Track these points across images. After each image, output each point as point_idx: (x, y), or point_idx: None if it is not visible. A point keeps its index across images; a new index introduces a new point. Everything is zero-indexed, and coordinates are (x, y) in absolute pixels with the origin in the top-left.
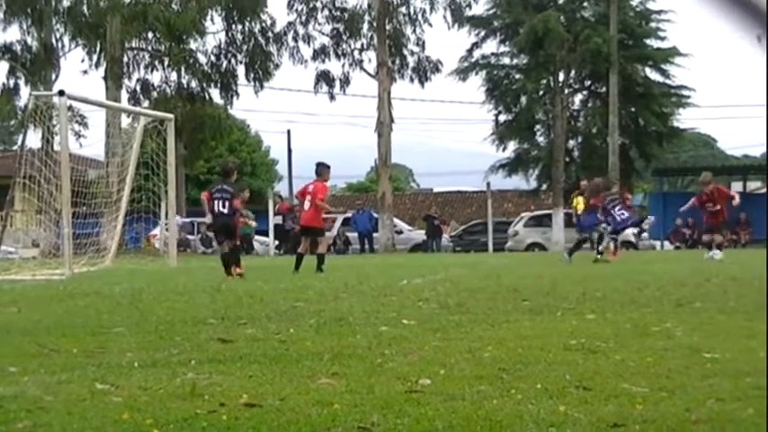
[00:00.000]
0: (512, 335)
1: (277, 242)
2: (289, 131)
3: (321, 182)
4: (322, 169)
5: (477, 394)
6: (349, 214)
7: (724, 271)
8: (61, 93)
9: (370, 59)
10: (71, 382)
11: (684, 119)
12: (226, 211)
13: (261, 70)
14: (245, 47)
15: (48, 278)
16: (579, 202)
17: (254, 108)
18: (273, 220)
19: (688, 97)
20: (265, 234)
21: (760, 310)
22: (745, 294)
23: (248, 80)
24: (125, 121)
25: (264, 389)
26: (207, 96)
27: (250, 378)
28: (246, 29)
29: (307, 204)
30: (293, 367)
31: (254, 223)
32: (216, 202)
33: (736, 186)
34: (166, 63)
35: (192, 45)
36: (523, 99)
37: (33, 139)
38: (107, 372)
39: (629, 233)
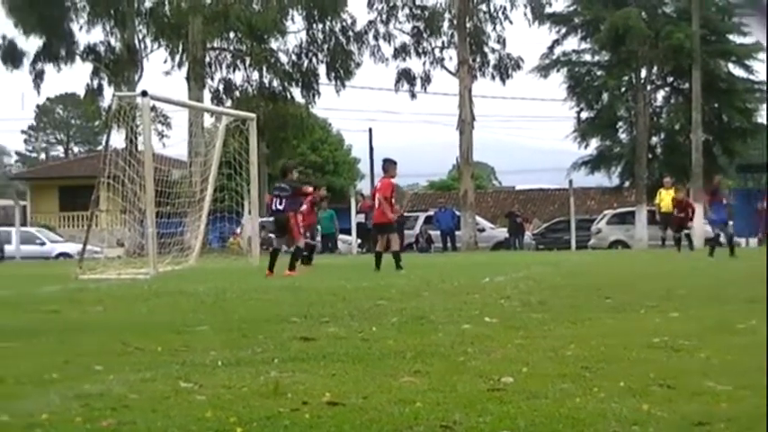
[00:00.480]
0: (594, 333)
1: (359, 240)
2: (370, 130)
3: (387, 178)
4: (388, 165)
5: (559, 392)
6: (431, 212)
7: None
8: (144, 93)
9: (451, 57)
10: (155, 380)
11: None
12: (281, 207)
13: (342, 69)
14: (325, 46)
15: (132, 277)
16: (663, 199)
17: (335, 107)
18: (356, 218)
19: None
20: (348, 232)
21: None
22: None
23: (329, 79)
24: (208, 120)
25: (347, 387)
26: (288, 95)
27: (332, 376)
28: (327, 28)
29: (376, 202)
30: (375, 366)
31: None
32: (274, 199)
33: None
34: (248, 63)
35: (274, 44)
36: (605, 96)
37: (117, 139)
38: (191, 370)
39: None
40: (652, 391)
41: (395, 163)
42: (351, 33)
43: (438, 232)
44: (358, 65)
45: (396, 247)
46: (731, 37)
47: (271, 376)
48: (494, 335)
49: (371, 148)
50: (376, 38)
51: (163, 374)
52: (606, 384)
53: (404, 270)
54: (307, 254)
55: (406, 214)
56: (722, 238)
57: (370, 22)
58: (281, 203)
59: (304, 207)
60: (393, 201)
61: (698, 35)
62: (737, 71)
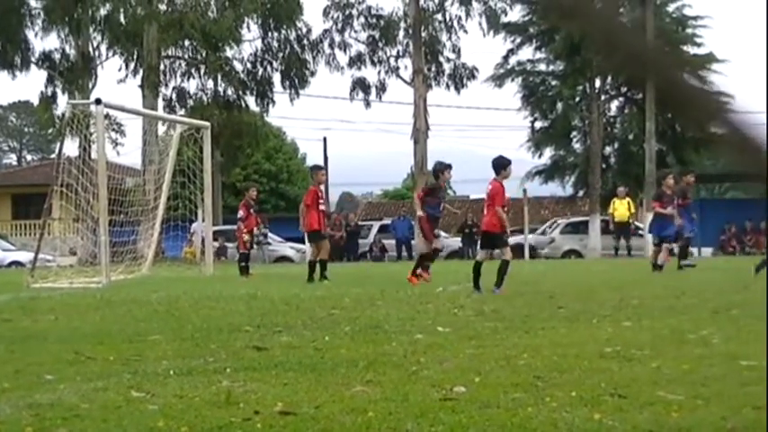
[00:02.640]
0: (547, 342)
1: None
2: (325, 138)
3: (313, 185)
4: (314, 172)
5: (512, 402)
6: (386, 221)
7: (762, 278)
8: (98, 101)
9: (406, 66)
10: (107, 389)
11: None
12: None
13: (297, 78)
14: (281, 54)
15: (85, 286)
16: (617, 208)
17: (290, 115)
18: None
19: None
20: (301, 241)
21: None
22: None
23: (284, 87)
24: (162, 129)
25: (299, 397)
26: (243, 104)
27: (285, 386)
28: (282, 36)
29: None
30: (328, 375)
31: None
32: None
33: None
34: (203, 71)
35: (229, 53)
36: (560, 105)
37: (71, 147)
38: (143, 379)
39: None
40: (604, 401)
41: (320, 168)
42: (306, 42)
43: (392, 241)
44: (313, 73)
45: (324, 256)
46: (685, 48)
47: (223, 386)
48: (447, 344)
49: (326, 157)
50: (331, 46)
51: (115, 384)
52: (558, 394)
53: (328, 281)
54: (244, 264)
55: (360, 223)
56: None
57: (326, 30)
58: None
59: (241, 213)
60: (321, 207)
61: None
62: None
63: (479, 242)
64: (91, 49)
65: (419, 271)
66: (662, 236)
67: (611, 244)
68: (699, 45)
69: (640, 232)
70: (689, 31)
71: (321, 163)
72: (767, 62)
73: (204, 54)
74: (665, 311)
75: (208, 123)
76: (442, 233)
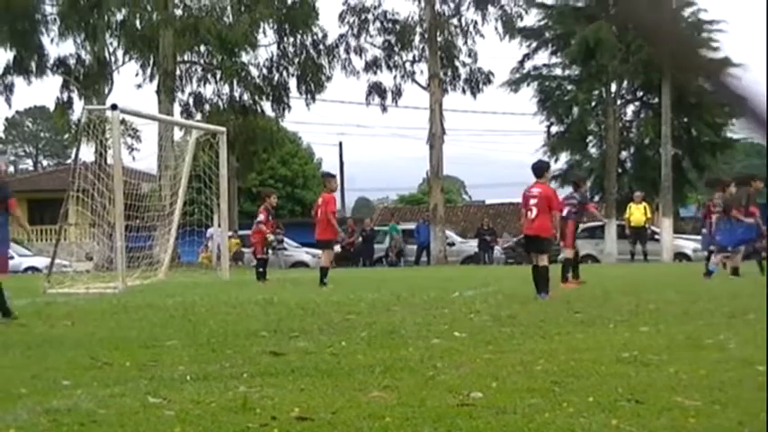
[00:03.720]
0: (564, 347)
1: None
2: (340, 143)
3: (328, 192)
4: (326, 180)
5: (528, 407)
6: (403, 226)
7: None
8: (114, 106)
9: (422, 71)
10: (124, 395)
11: (737, 129)
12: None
13: (312, 82)
14: (296, 59)
15: (101, 291)
16: (633, 213)
17: (305, 120)
18: None
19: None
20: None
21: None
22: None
23: (300, 92)
24: (177, 134)
25: (316, 402)
26: (259, 109)
27: (302, 391)
28: (298, 41)
29: (320, 217)
30: (345, 380)
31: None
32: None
33: None
34: (219, 76)
35: (245, 58)
36: (575, 110)
37: (87, 152)
38: (159, 385)
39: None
40: (621, 406)
41: (332, 176)
42: (322, 47)
43: (407, 246)
44: (329, 78)
45: (325, 264)
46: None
47: (239, 391)
48: (463, 349)
49: (342, 162)
50: (347, 51)
51: (131, 389)
52: (575, 399)
53: (326, 287)
54: (261, 269)
55: (376, 228)
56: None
57: (342, 35)
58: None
59: (261, 217)
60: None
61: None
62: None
63: (527, 245)
64: (107, 55)
65: (569, 276)
66: (734, 243)
67: (628, 249)
68: (715, 49)
69: (656, 237)
70: (705, 35)
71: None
72: (767, 62)
73: (220, 59)
74: (681, 316)
75: (224, 129)
76: (458, 238)
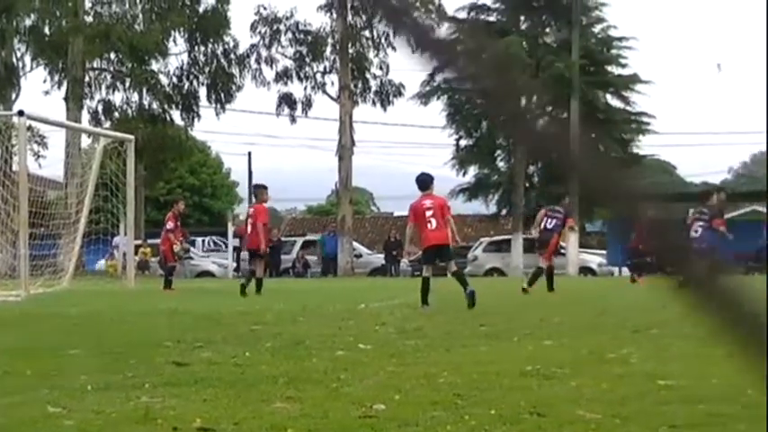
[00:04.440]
0: (468, 360)
1: (235, 264)
2: (250, 154)
3: (261, 203)
4: (259, 191)
5: (431, 420)
6: (310, 237)
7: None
8: (21, 113)
9: (333, 82)
10: (24, 404)
11: (644, 145)
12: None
13: (223, 92)
14: (207, 68)
15: (3, 300)
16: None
17: (215, 130)
18: (232, 242)
19: (648, 124)
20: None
21: (715, 336)
22: (700, 320)
23: (210, 102)
24: (85, 141)
25: (219, 413)
26: (168, 118)
27: (204, 402)
28: (209, 50)
29: (249, 228)
30: (248, 391)
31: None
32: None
33: None
34: (128, 84)
35: (155, 66)
36: (484, 124)
37: None
38: (61, 394)
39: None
40: (523, 419)
41: (265, 188)
42: (233, 56)
43: (314, 257)
44: (239, 88)
45: (260, 274)
46: (610, 68)
47: (141, 401)
48: (368, 361)
49: (250, 172)
50: (258, 61)
51: (31, 399)
52: (478, 412)
53: (261, 295)
54: (169, 278)
55: (283, 239)
56: None
57: (253, 45)
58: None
59: (170, 225)
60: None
61: (577, 65)
62: (615, 102)
63: (428, 257)
64: (15, 60)
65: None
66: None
67: (534, 262)
68: (623, 66)
69: (562, 251)
70: (614, 51)
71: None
72: (767, 64)
73: (130, 67)
74: (585, 330)
75: (132, 136)
76: (365, 250)
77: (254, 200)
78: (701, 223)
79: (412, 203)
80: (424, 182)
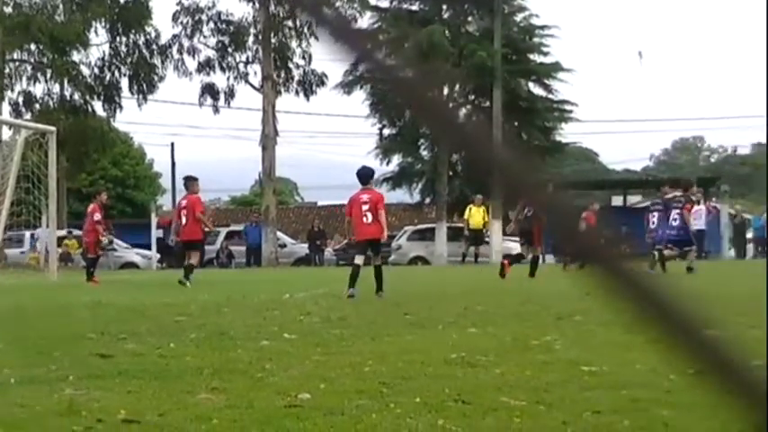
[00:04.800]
0: (393, 349)
1: (159, 255)
2: (173, 144)
3: (192, 194)
4: (190, 183)
5: (356, 408)
6: (234, 228)
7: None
8: None
9: (256, 72)
10: None
11: (567, 133)
12: None
13: (145, 82)
14: (129, 59)
15: None
16: (473, 215)
17: (137, 121)
18: (155, 233)
19: (570, 112)
20: (148, 247)
21: (638, 324)
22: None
23: (132, 92)
24: (6, 133)
25: (143, 405)
26: (90, 109)
27: (129, 394)
28: (131, 41)
29: (184, 219)
30: (173, 383)
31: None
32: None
33: (617, 201)
34: (49, 75)
35: (76, 57)
36: (408, 113)
37: None
38: None
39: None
40: (448, 407)
41: (196, 179)
42: (155, 47)
43: (239, 248)
44: (161, 78)
45: (194, 261)
46: (532, 56)
47: (65, 394)
48: (293, 351)
49: (173, 163)
50: (180, 52)
51: None
52: (403, 400)
53: (188, 285)
54: (92, 269)
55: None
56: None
57: (175, 35)
58: None
59: (97, 216)
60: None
61: (500, 54)
62: (538, 90)
63: (361, 248)
64: None
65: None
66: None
67: (458, 251)
68: (545, 54)
69: (486, 239)
70: (536, 40)
71: (169, 169)
72: (767, 62)
73: (51, 58)
74: (509, 318)
75: (53, 128)
76: (289, 240)
77: (185, 191)
78: (677, 211)
79: (351, 196)
80: (365, 176)
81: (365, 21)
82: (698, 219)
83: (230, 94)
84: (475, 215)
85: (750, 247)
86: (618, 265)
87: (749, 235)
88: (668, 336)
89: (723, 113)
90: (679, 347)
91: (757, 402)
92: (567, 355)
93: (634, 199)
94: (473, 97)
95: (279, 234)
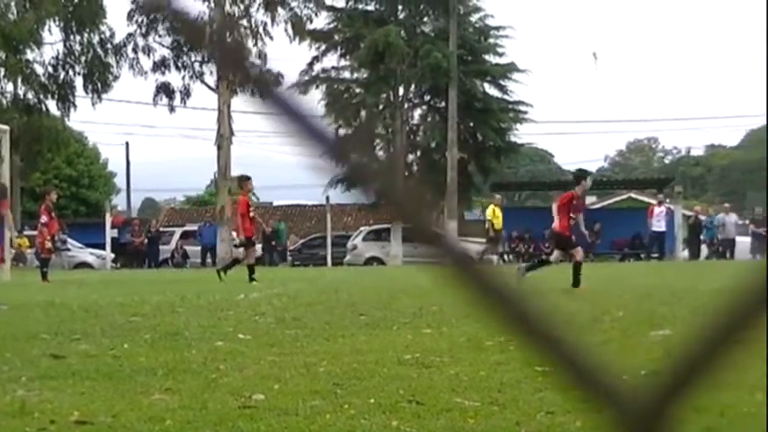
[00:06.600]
0: (347, 349)
1: (113, 255)
2: (127, 144)
3: (244, 194)
4: (243, 182)
5: (310, 409)
6: (189, 227)
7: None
8: None
9: (211, 72)
10: None
11: (522, 134)
12: None
13: (99, 81)
14: (83, 58)
15: None
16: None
17: (91, 120)
18: (110, 233)
19: (525, 113)
20: (102, 247)
21: (598, 322)
22: (579, 307)
23: (86, 91)
24: None
25: (96, 405)
26: (44, 108)
27: (82, 395)
28: (85, 39)
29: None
30: (126, 383)
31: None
32: None
33: None
34: (2, 74)
35: (29, 55)
36: (363, 113)
37: None
38: None
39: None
40: (401, 408)
41: (248, 178)
42: (109, 46)
43: (195, 248)
44: (116, 78)
45: (252, 260)
46: (487, 57)
47: (17, 395)
48: (247, 352)
49: (128, 163)
50: (135, 51)
51: None
52: (357, 401)
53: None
54: (45, 269)
55: (162, 229)
56: None
57: (130, 34)
58: None
59: (44, 219)
60: (252, 215)
61: (455, 55)
62: (493, 91)
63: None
64: None
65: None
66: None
67: (413, 252)
68: (501, 55)
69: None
70: (491, 41)
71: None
72: (767, 62)
73: (4, 56)
74: (463, 319)
75: (7, 127)
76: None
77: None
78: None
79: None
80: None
81: (321, 22)
82: (659, 220)
83: (186, 93)
84: (499, 216)
85: (704, 248)
86: (467, 261)
87: (702, 236)
88: (516, 334)
89: (677, 115)
90: (527, 345)
91: (605, 396)
92: (520, 355)
93: (589, 200)
94: (428, 98)
95: (233, 234)
